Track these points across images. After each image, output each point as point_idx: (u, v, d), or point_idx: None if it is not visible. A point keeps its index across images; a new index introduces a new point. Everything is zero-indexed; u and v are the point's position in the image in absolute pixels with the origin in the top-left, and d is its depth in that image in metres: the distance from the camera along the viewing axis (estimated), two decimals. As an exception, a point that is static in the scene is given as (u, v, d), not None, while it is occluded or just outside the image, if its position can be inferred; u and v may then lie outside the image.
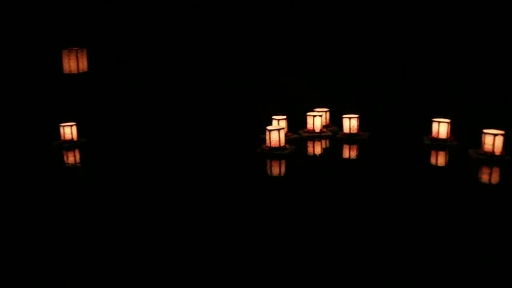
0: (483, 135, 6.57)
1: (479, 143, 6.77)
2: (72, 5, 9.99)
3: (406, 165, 6.68)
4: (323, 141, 8.18)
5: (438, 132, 7.38)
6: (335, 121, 8.66)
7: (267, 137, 7.51)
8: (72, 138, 7.97)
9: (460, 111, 8.16)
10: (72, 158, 7.65)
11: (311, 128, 8.38)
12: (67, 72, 9.19)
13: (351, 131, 8.22)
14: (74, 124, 7.98)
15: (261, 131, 7.89)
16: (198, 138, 8.56)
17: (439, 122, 7.42)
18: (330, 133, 8.35)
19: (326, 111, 8.68)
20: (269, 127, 7.63)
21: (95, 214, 5.39)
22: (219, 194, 5.83)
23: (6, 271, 4.29)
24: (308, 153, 7.79)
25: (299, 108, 8.73)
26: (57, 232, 4.95)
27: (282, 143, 7.53)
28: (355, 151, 7.76)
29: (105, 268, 4.26)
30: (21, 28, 9.91)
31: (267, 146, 7.52)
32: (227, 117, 9.66)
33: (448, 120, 7.42)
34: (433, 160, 7.11)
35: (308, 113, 8.42)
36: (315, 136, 8.30)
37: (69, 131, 7.90)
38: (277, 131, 7.52)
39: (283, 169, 7.07)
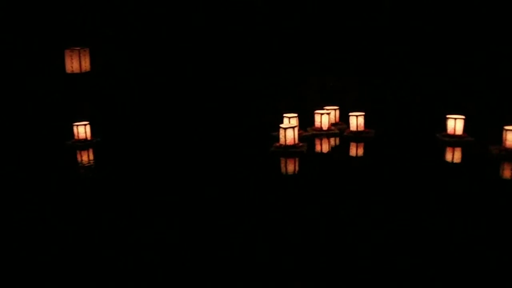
0: (504, 131, 6.74)
1: (493, 139, 6.98)
2: (75, 5, 9.93)
3: (434, 162, 6.86)
4: (332, 139, 8.30)
5: (454, 129, 7.57)
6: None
7: (282, 135, 7.58)
8: (86, 138, 7.93)
9: (464, 108, 8.40)
10: (85, 157, 7.64)
11: (319, 126, 8.51)
12: (69, 72, 9.17)
13: (358, 129, 8.38)
14: (88, 124, 7.95)
15: (268, 129, 8.08)
16: (207, 137, 8.61)
17: (455, 118, 7.59)
18: (337, 131, 8.48)
19: (335, 109, 8.80)
20: (283, 125, 7.71)
21: (112, 211, 5.46)
22: (247, 195, 5.84)
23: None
24: (324, 151, 7.96)
25: (302, 107, 8.88)
26: (66, 232, 4.98)
27: (296, 140, 7.64)
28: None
29: (113, 266, 4.30)
30: (24, 28, 9.81)
31: (281, 144, 7.60)
32: (231, 117, 9.71)
33: (463, 117, 7.62)
34: (456, 157, 7.32)
35: (316, 111, 8.54)
36: (322, 134, 8.43)
37: (82, 130, 7.87)
38: (292, 129, 7.62)
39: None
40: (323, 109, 8.62)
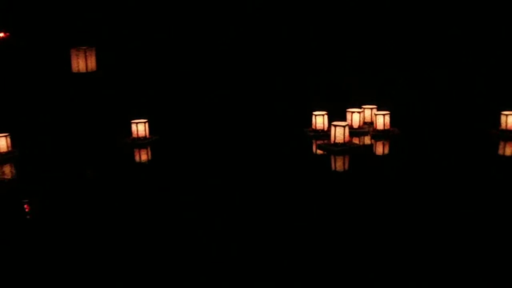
0: None
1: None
2: (81, 5, 9.45)
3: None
4: (364, 137, 8.58)
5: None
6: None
7: (340, 133, 7.77)
8: (145, 135, 7.60)
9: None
10: (147, 155, 7.32)
11: (350, 124, 8.75)
12: (75, 71, 8.93)
13: (385, 127, 8.73)
14: (146, 121, 7.60)
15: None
16: (249, 137, 8.58)
17: (515, 115, 8.25)
18: (368, 129, 8.78)
19: (371, 108, 9.07)
20: (337, 123, 7.91)
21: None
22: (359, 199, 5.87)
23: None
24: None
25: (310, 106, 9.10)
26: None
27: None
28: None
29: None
30: (30, 28, 9.25)
31: (340, 142, 7.79)
32: (259, 117, 9.65)
33: None
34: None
35: (348, 109, 8.79)
36: (353, 132, 8.67)
37: (142, 128, 7.51)
38: (347, 126, 7.86)
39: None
40: (361, 107, 8.86)
